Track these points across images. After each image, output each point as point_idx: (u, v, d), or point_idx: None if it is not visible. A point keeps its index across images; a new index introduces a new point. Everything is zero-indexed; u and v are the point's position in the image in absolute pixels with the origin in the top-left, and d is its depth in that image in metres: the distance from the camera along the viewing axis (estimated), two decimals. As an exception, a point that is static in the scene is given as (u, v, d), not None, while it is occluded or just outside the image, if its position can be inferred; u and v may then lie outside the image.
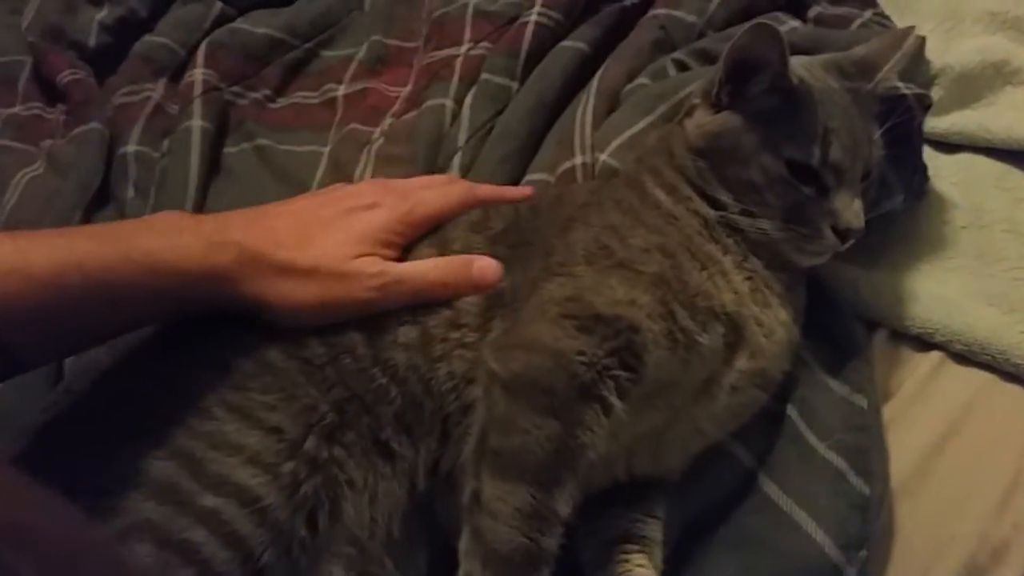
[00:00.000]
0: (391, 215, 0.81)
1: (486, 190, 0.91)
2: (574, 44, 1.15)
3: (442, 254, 0.82)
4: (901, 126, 0.86)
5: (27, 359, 0.73)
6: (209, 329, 0.80)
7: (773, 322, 0.81)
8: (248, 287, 0.76)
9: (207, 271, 0.74)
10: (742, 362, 0.79)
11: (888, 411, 0.87)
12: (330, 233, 0.79)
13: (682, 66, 1.08)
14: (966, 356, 0.89)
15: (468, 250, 0.82)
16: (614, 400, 0.73)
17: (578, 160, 1.01)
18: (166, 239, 0.74)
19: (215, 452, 0.74)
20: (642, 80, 1.08)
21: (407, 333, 0.78)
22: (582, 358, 0.72)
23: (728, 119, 0.80)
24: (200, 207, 1.10)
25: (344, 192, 0.86)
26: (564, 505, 0.70)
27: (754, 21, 0.78)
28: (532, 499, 0.69)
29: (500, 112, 1.11)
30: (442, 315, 0.79)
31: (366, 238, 0.79)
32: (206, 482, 0.73)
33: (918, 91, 0.92)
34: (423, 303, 0.79)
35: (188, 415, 0.76)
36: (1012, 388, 0.87)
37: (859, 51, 0.86)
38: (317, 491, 0.75)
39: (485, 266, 0.80)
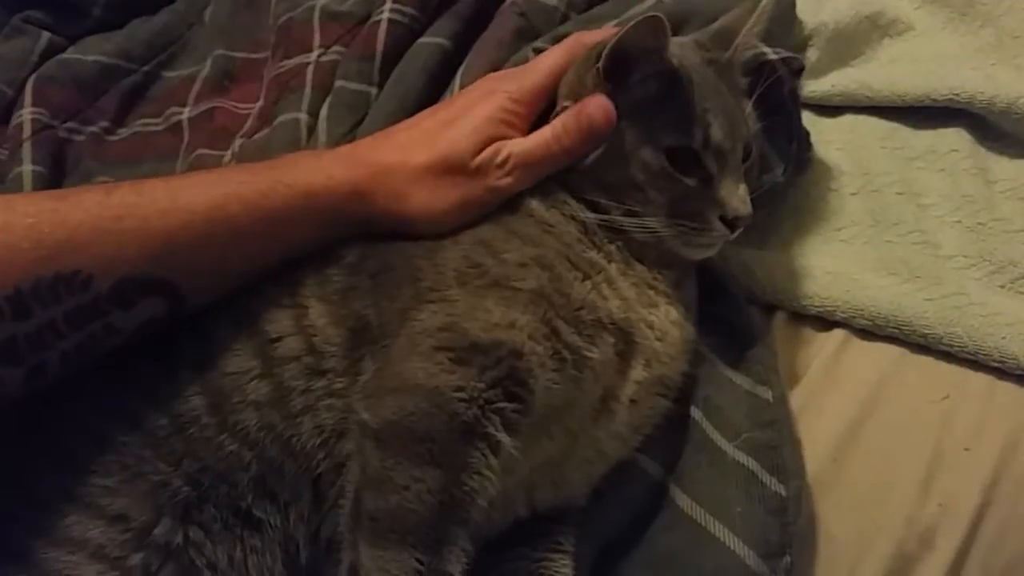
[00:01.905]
0: (504, 95, 0.80)
1: (595, 33, 0.86)
2: (432, 40, 1.09)
3: (291, 293, 0.74)
4: (772, 94, 0.82)
5: (191, 296, 0.72)
6: (42, 407, 0.71)
7: (665, 323, 0.76)
8: (386, 200, 0.77)
9: (350, 189, 0.76)
10: (638, 371, 0.75)
11: (795, 399, 0.83)
12: (452, 131, 0.79)
13: (545, 55, 1.01)
14: (871, 331, 0.85)
15: (324, 285, 0.74)
16: (502, 436, 0.67)
17: (448, 166, 0.94)
18: (310, 165, 0.77)
19: (56, 550, 0.67)
20: (507, 72, 1.01)
21: (257, 389, 0.71)
22: (460, 394, 0.66)
23: None
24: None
25: (461, 94, 0.86)
26: (456, 564, 0.64)
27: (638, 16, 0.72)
28: (418, 565, 0.62)
29: (360, 122, 1.04)
30: (301, 363, 0.71)
31: (487, 124, 0.78)
32: None
33: (786, 55, 0.88)
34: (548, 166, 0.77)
35: (25, 510, 0.68)
36: (922, 360, 0.84)
37: (715, 25, 0.82)
38: None
39: (592, 108, 0.76)
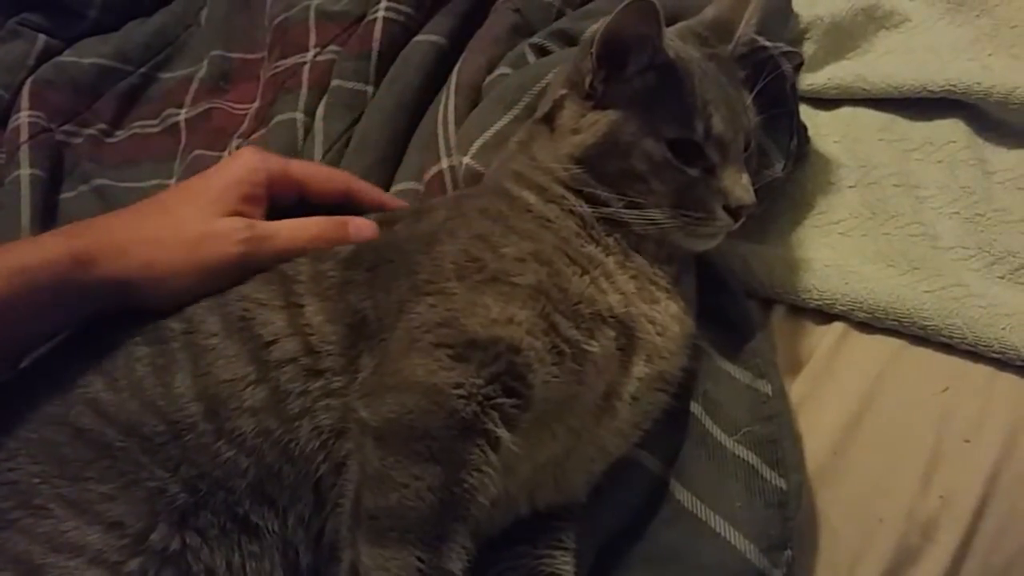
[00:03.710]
0: (247, 165, 0.79)
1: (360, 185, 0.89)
2: (428, 38, 1.09)
3: (285, 293, 0.74)
4: (772, 88, 0.82)
5: None
6: (37, 414, 0.71)
7: (665, 318, 0.76)
8: (112, 268, 0.72)
9: (69, 258, 0.71)
10: (640, 367, 0.74)
11: (795, 393, 0.83)
12: (191, 199, 0.77)
13: (542, 50, 1.01)
14: (870, 324, 0.85)
15: (318, 281, 0.74)
16: (501, 432, 0.67)
17: (445, 164, 0.94)
18: (27, 246, 0.74)
19: (55, 556, 0.66)
20: (503, 70, 1.01)
21: (254, 395, 0.70)
22: (459, 391, 0.66)
23: (606, 119, 0.75)
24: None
25: (208, 168, 0.84)
26: (457, 561, 0.63)
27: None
28: (419, 563, 0.62)
29: (357, 120, 1.04)
30: (297, 364, 0.71)
31: (226, 193, 0.77)
32: None
33: (787, 49, 0.87)
34: (293, 255, 0.77)
35: (24, 515, 0.68)
36: (922, 352, 0.83)
37: (709, 12, 0.82)
38: None
39: (361, 224, 0.79)
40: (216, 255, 0.75)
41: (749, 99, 0.79)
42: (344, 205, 0.85)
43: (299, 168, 0.84)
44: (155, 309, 0.75)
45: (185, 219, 0.76)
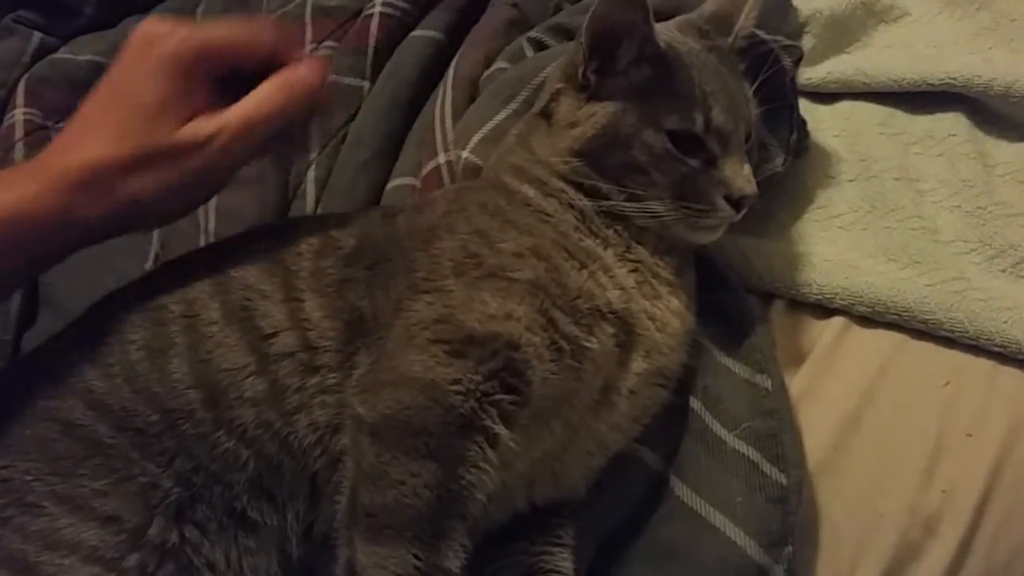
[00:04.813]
0: (172, 44, 0.72)
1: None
2: (425, 33, 1.08)
3: (286, 286, 0.73)
4: (772, 82, 0.82)
5: None
6: (29, 409, 0.71)
7: (666, 313, 0.75)
8: (98, 207, 0.70)
9: (57, 213, 0.68)
10: (638, 363, 0.74)
11: (795, 387, 0.82)
12: (139, 113, 0.71)
13: (539, 45, 1.01)
14: (870, 318, 0.84)
15: (319, 277, 0.74)
16: (499, 429, 0.66)
17: (442, 159, 0.94)
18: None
19: (50, 553, 0.66)
20: (500, 64, 1.01)
21: (254, 386, 0.69)
22: (457, 387, 0.65)
23: (605, 111, 0.75)
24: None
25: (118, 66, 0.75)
26: (454, 559, 0.63)
27: None
28: (416, 561, 0.61)
29: (353, 116, 1.04)
30: (295, 359, 0.70)
31: (164, 71, 0.71)
32: None
33: (786, 43, 0.87)
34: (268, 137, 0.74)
35: (17, 513, 0.67)
36: (923, 346, 0.83)
37: (708, 6, 0.82)
38: None
39: (304, 71, 0.75)
40: (194, 169, 0.72)
41: (750, 91, 0.78)
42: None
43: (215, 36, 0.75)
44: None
45: (147, 135, 0.71)
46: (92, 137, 0.71)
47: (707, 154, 0.74)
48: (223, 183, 0.77)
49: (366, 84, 1.06)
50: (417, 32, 1.08)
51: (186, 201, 0.75)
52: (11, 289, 0.73)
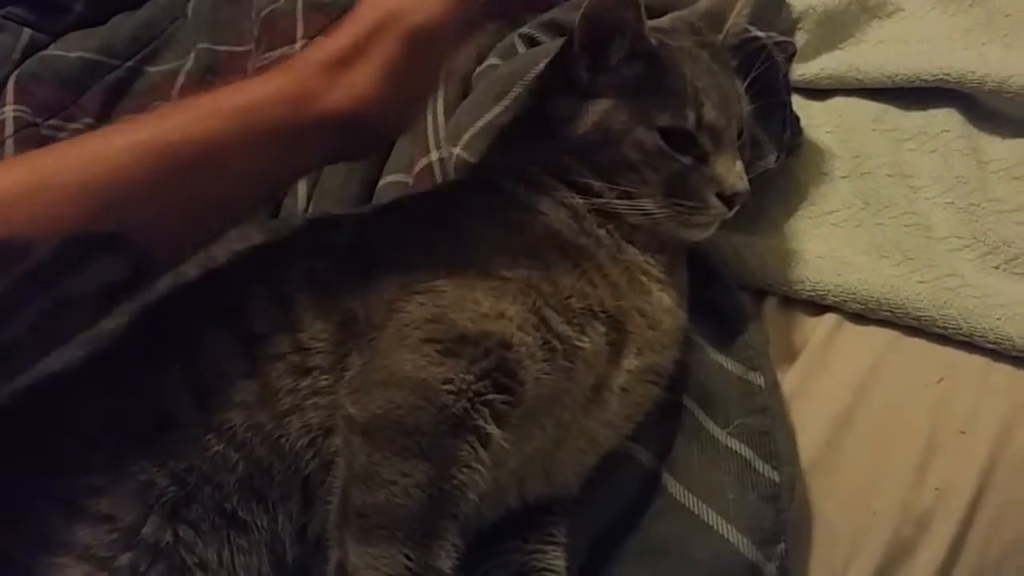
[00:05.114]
0: None
1: None
2: (417, 28, 1.07)
3: (277, 288, 0.72)
4: (764, 79, 0.82)
5: (156, 252, 0.65)
6: (22, 407, 0.70)
7: (657, 311, 0.75)
8: (332, 97, 0.67)
9: (288, 94, 0.66)
10: (630, 360, 0.74)
11: (788, 385, 0.82)
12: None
13: (532, 41, 1.00)
14: (863, 315, 0.84)
15: (310, 278, 0.73)
16: (491, 428, 0.66)
17: (434, 156, 0.94)
18: (254, 85, 0.68)
19: (42, 553, 0.65)
20: (493, 60, 1.01)
21: (244, 389, 0.69)
22: (449, 387, 0.65)
23: (597, 107, 0.75)
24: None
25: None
26: (446, 559, 0.63)
27: None
28: (407, 561, 0.61)
29: (347, 113, 1.03)
30: (287, 361, 0.69)
31: None
32: None
33: (779, 39, 0.87)
34: None
35: (7, 512, 0.66)
36: (916, 343, 0.82)
37: (701, 3, 0.82)
38: None
39: None
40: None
41: (742, 87, 0.78)
42: None
43: None
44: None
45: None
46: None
47: (699, 151, 0.74)
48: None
49: (358, 80, 1.05)
50: (409, 28, 1.08)
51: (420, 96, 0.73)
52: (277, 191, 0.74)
